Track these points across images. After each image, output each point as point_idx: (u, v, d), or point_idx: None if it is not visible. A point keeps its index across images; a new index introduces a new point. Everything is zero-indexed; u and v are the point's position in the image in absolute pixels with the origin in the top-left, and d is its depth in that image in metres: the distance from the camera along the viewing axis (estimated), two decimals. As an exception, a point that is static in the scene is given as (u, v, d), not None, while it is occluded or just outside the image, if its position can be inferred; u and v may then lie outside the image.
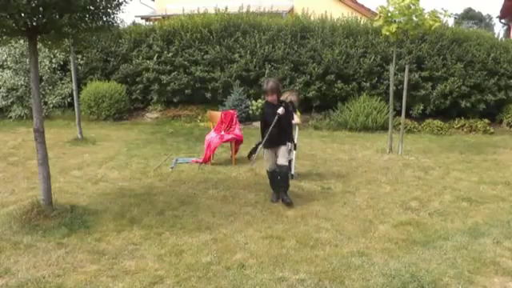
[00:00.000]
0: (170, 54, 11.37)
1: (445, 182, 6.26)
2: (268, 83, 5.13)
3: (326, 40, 11.07)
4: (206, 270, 3.57)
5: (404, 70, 8.07)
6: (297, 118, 5.92)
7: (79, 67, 11.42)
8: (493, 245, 4.11)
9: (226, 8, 11.94)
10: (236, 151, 7.25)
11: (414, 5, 7.06)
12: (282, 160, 5.17)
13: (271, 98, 5.13)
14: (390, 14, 7.21)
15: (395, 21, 7.26)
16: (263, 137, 5.15)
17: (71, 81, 10.09)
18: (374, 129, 10.39)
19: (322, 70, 10.82)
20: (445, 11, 7.35)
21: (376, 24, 7.63)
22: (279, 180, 5.27)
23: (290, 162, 5.84)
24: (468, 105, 10.94)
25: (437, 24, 7.26)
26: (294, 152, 5.91)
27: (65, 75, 11.83)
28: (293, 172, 6.07)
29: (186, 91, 11.39)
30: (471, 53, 10.94)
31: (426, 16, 7.21)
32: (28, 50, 4.50)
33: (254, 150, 5.32)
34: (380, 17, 7.38)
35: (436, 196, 5.60)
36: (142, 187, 5.80)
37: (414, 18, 7.18)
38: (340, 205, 5.21)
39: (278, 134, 5.10)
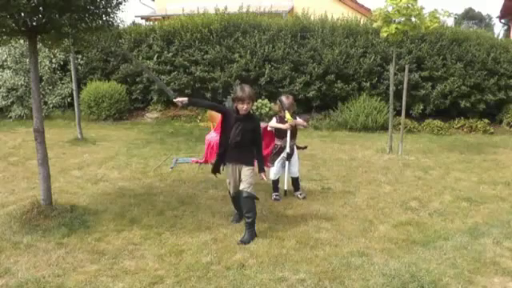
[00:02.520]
0: (170, 54, 11.37)
1: (445, 181, 6.26)
2: (244, 90, 4.15)
3: (326, 40, 11.07)
4: (206, 270, 3.57)
5: (404, 70, 8.06)
6: (287, 123, 5.20)
7: (79, 67, 11.43)
8: (493, 245, 4.11)
9: (226, 8, 11.95)
10: None
11: (412, 5, 7.06)
12: (244, 185, 4.20)
13: (246, 107, 4.17)
14: (388, 14, 7.21)
15: (394, 21, 7.25)
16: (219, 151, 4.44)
17: (71, 81, 10.09)
18: (374, 129, 10.40)
19: (322, 70, 10.82)
20: (444, 12, 7.33)
21: (375, 25, 7.61)
22: (243, 210, 4.35)
23: (296, 179, 5.47)
24: (468, 105, 10.94)
25: (435, 25, 7.25)
26: (287, 163, 5.31)
27: (65, 75, 11.83)
28: (285, 187, 5.36)
29: (186, 91, 11.38)
30: (471, 53, 10.94)
31: (426, 16, 7.20)
32: (28, 50, 4.50)
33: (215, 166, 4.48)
34: (378, 17, 7.36)
35: (436, 196, 5.60)
36: (142, 187, 5.80)
37: (413, 19, 7.18)
38: (340, 205, 5.20)
39: (240, 149, 4.25)
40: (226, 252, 3.89)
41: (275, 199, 5.30)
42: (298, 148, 5.53)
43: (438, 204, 5.29)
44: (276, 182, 5.41)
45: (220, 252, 3.89)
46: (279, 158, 5.34)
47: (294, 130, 5.37)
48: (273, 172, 5.37)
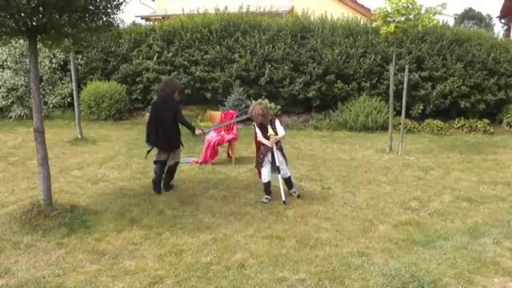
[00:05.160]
0: (170, 54, 11.38)
1: (445, 181, 6.26)
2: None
3: (326, 40, 11.07)
4: (206, 270, 3.57)
5: (404, 70, 8.07)
6: (270, 138, 5.20)
7: (79, 67, 11.44)
8: (493, 245, 4.11)
9: (226, 8, 11.95)
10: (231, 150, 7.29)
11: (411, 4, 7.06)
12: (171, 162, 5.53)
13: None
14: (387, 14, 7.21)
15: (394, 20, 7.26)
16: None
17: (71, 81, 10.10)
18: (374, 129, 10.40)
19: (321, 70, 10.83)
20: (441, 5, 7.29)
21: (375, 24, 7.61)
22: (166, 173, 5.58)
23: (288, 179, 5.37)
24: (468, 105, 10.94)
25: (434, 22, 7.25)
26: (280, 175, 5.27)
27: (65, 75, 11.84)
28: (283, 198, 5.20)
29: (186, 91, 11.39)
30: (471, 53, 10.94)
31: (423, 13, 7.19)
32: (28, 50, 4.50)
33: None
34: (378, 17, 7.36)
35: (436, 196, 5.60)
36: (142, 187, 5.80)
37: (412, 17, 7.18)
38: (340, 205, 5.20)
39: (165, 134, 5.38)
40: (226, 252, 3.89)
41: (263, 201, 5.21)
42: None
43: (438, 204, 5.29)
44: (267, 185, 5.30)
45: (220, 252, 3.89)
46: (265, 162, 5.29)
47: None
48: (263, 175, 5.34)
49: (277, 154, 5.27)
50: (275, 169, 5.27)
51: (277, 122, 5.34)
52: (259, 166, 5.37)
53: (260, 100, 5.51)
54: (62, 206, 4.75)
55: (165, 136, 5.39)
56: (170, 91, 5.47)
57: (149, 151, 5.58)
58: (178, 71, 11.37)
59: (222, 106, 10.86)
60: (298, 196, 5.40)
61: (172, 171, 5.62)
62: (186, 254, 3.85)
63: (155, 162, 5.55)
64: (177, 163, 5.61)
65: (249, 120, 5.38)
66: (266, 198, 5.27)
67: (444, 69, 10.87)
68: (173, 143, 5.49)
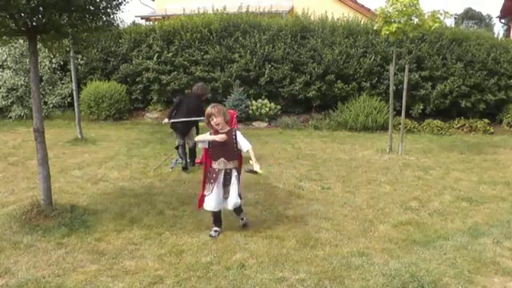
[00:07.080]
0: (170, 54, 11.38)
1: (445, 181, 6.26)
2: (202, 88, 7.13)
3: (326, 40, 11.07)
4: (206, 270, 3.57)
5: (404, 70, 8.07)
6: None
7: (79, 67, 11.43)
8: (493, 245, 4.11)
9: (225, 8, 11.95)
10: None
11: (413, 5, 7.06)
12: (190, 144, 6.78)
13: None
14: (389, 15, 7.21)
15: (395, 21, 7.26)
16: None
17: (71, 81, 10.10)
18: (374, 129, 10.40)
19: (321, 70, 10.82)
20: (445, 12, 7.33)
21: (376, 26, 7.59)
22: (189, 153, 6.83)
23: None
24: (468, 105, 10.95)
25: (436, 25, 7.25)
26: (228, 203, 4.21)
27: (65, 75, 11.84)
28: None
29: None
30: (471, 53, 10.95)
31: (426, 16, 7.21)
32: (28, 50, 4.50)
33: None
34: (379, 17, 7.37)
35: (436, 196, 5.60)
36: (142, 187, 5.80)
37: (414, 19, 7.18)
38: (340, 205, 5.20)
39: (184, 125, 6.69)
40: (226, 252, 3.89)
41: (210, 235, 4.19)
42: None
43: (438, 204, 5.29)
44: (216, 214, 4.29)
45: (220, 252, 3.89)
46: (213, 186, 4.20)
47: (232, 149, 4.28)
48: (207, 203, 4.23)
49: (233, 179, 4.28)
50: (226, 194, 4.24)
51: (238, 135, 4.27)
52: (204, 189, 4.25)
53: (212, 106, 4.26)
54: (62, 206, 4.76)
55: (182, 122, 6.65)
56: (199, 94, 6.95)
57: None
58: (178, 71, 11.37)
59: (221, 106, 10.85)
60: (245, 225, 4.39)
61: (193, 150, 6.85)
62: (186, 254, 3.85)
63: (177, 147, 6.76)
64: (194, 143, 6.68)
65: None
66: (215, 231, 4.23)
67: (444, 68, 10.87)
68: (186, 128, 6.73)
